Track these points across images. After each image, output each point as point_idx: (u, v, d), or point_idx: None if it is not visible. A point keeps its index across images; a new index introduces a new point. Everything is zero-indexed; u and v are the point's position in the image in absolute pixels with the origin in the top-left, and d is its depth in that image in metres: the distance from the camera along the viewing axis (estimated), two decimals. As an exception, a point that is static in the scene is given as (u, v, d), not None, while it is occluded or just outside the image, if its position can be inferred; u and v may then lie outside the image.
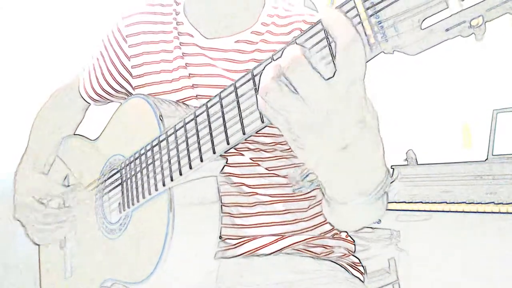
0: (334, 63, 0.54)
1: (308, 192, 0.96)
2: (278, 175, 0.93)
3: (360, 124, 0.57)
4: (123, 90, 1.03)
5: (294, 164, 0.94)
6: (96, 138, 0.99)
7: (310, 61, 0.54)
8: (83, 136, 1.05)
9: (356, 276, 0.97)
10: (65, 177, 1.03)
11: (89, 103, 1.12)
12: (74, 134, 1.10)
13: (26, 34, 1.61)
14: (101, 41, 1.05)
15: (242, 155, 0.91)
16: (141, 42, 0.98)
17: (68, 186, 1.03)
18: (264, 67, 0.59)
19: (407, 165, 2.01)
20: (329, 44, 0.55)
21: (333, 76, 0.54)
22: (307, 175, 0.75)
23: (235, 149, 0.91)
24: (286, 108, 0.56)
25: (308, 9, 1.01)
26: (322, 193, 0.70)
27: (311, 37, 0.55)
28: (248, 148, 0.91)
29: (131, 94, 1.02)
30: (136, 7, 1.03)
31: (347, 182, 0.64)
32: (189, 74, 0.93)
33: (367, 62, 0.53)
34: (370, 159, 0.62)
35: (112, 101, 1.09)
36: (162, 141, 0.79)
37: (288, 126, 0.58)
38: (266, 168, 0.92)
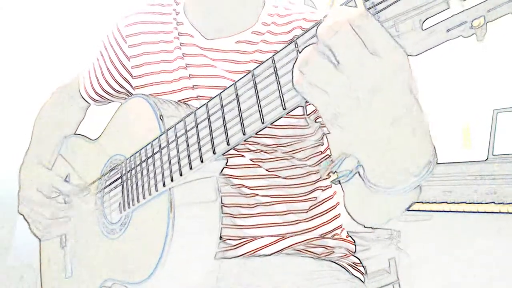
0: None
1: (311, 192, 0.96)
2: (279, 176, 0.93)
3: (409, 95, 0.52)
4: (124, 90, 1.03)
5: (295, 165, 0.94)
6: (97, 138, 0.99)
7: (354, 28, 0.50)
8: (84, 136, 1.05)
9: (356, 277, 0.97)
10: (66, 177, 1.03)
11: (89, 103, 1.12)
12: (75, 134, 1.10)
13: (26, 34, 1.61)
14: (101, 41, 1.05)
15: (243, 156, 0.91)
16: (141, 42, 0.98)
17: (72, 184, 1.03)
18: (266, 72, 0.58)
19: (407, 165, 2.00)
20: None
21: None
22: (341, 163, 0.63)
23: (236, 150, 0.90)
24: (327, 80, 0.51)
25: (308, 7, 1.00)
26: (363, 179, 0.61)
27: (313, 36, 0.55)
28: (249, 149, 0.91)
29: (131, 94, 1.02)
30: (136, 7, 1.02)
31: (394, 163, 0.57)
32: (189, 75, 0.93)
33: None
34: (418, 134, 0.55)
35: (112, 101, 1.09)
36: (162, 141, 0.79)
37: (328, 102, 0.52)
38: (266, 169, 0.92)
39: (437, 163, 0.59)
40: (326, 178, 0.97)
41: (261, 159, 0.92)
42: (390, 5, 0.49)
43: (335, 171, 0.62)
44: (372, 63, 0.49)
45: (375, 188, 0.61)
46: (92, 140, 1.01)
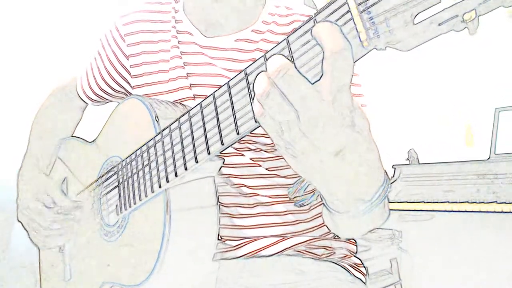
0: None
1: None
2: (279, 176, 0.93)
3: (350, 129, 0.56)
4: (122, 90, 1.03)
5: None
6: (94, 140, 0.98)
7: (295, 66, 0.55)
8: (80, 138, 1.05)
9: (357, 277, 0.96)
10: (64, 180, 1.03)
11: (87, 103, 1.11)
12: (72, 137, 1.10)
13: (26, 34, 1.61)
14: (99, 40, 1.04)
15: (243, 155, 0.91)
16: (140, 41, 0.97)
17: (68, 193, 1.02)
18: (259, 70, 0.59)
19: (409, 164, 2.01)
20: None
21: (319, 79, 0.55)
22: (306, 187, 0.73)
23: (236, 149, 0.90)
24: (280, 113, 0.56)
25: (310, 8, 1.00)
26: (324, 205, 0.69)
27: (301, 36, 0.55)
28: (249, 148, 0.90)
29: (130, 93, 1.01)
30: (134, 5, 1.02)
31: (346, 189, 0.63)
32: (187, 73, 0.93)
33: (358, 59, 0.53)
34: (365, 163, 0.60)
35: (110, 101, 1.09)
36: (157, 142, 0.79)
37: (281, 134, 0.58)
38: (266, 169, 0.92)
39: (390, 179, 0.65)
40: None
41: (261, 158, 0.91)
42: (380, 0, 0.48)
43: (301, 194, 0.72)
44: (314, 97, 0.54)
45: (333, 212, 0.67)
46: (88, 142, 1.00)
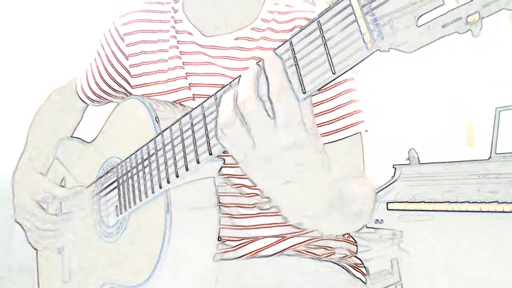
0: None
1: None
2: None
3: (300, 167, 0.62)
4: (122, 90, 1.03)
5: None
6: (92, 140, 0.98)
7: (259, 95, 0.59)
8: (79, 138, 1.05)
9: (358, 278, 0.96)
10: (62, 180, 1.03)
11: (86, 103, 1.11)
12: (71, 137, 1.10)
13: (25, 34, 1.61)
14: (98, 40, 1.04)
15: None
16: (139, 41, 0.97)
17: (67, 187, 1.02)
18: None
19: (409, 164, 2.00)
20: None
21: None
22: None
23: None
24: (240, 141, 0.61)
25: (309, 5, 1.00)
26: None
27: (305, 37, 0.55)
28: (249, 147, 0.90)
29: (129, 93, 1.01)
30: (133, 5, 1.02)
31: (294, 208, 0.70)
32: (186, 73, 0.93)
33: (362, 61, 0.53)
34: (313, 191, 0.67)
35: (109, 102, 1.09)
36: (158, 143, 0.78)
37: (241, 158, 0.63)
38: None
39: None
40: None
41: None
42: (384, 2, 0.48)
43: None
44: (271, 133, 0.59)
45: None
46: (87, 142, 1.00)
